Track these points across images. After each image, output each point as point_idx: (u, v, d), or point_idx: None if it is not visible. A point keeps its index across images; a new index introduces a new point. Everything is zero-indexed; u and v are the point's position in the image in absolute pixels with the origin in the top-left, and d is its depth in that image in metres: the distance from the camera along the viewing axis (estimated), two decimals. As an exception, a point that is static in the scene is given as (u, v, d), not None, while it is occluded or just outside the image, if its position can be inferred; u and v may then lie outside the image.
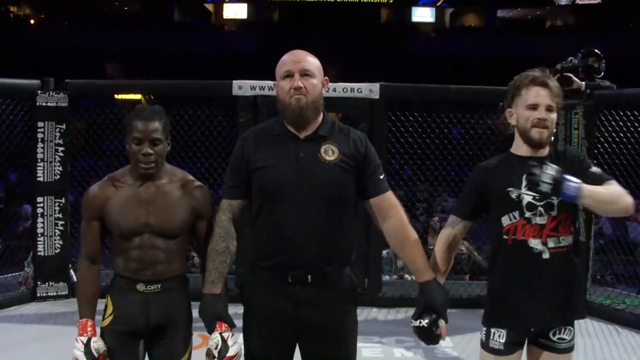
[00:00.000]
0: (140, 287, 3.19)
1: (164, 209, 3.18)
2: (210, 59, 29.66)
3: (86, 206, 3.26)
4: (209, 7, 38.80)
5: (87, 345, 3.12)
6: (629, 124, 6.27)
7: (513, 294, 3.08)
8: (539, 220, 3.01)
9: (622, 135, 6.26)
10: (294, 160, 2.98)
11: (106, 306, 3.26)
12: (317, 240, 2.95)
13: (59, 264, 6.45)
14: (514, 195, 3.03)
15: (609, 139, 6.27)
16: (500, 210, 3.07)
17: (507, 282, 3.10)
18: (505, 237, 3.06)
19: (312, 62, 3.04)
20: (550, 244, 3.02)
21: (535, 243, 3.02)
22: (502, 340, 3.12)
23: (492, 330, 3.15)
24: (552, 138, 3.12)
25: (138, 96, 7.78)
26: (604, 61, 6.04)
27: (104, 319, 3.25)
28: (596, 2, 35.44)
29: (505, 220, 3.05)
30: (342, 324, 3.10)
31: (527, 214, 3.02)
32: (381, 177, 3.11)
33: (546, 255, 3.02)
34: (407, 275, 7.71)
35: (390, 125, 6.48)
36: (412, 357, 5.26)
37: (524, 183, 2.99)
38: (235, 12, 38.12)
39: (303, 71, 2.99)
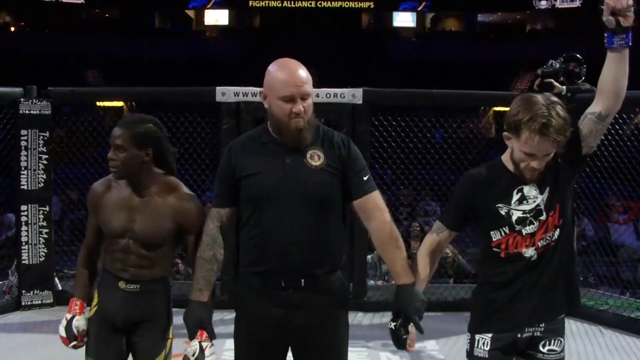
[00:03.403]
0: (122, 284, 3.33)
1: (148, 218, 3.27)
2: (191, 65, 29.65)
3: (88, 201, 3.44)
4: (190, 13, 38.77)
5: (69, 322, 3.36)
6: (609, 127, 6.31)
7: (499, 299, 3.03)
8: (529, 229, 2.95)
9: (603, 137, 6.30)
10: (281, 166, 2.99)
11: (93, 298, 3.44)
12: (307, 244, 2.97)
13: (43, 272, 6.41)
14: (503, 212, 2.96)
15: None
16: (489, 224, 3.01)
17: (496, 288, 3.05)
18: (496, 249, 3.01)
19: (309, 81, 3.01)
20: (539, 245, 2.97)
21: (526, 251, 2.97)
22: (487, 348, 3.04)
23: (477, 337, 3.08)
24: None
25: (120, 103, 7.76)
26: (585, 66, 6.08)
27: (90, 309, 3.42)
28: (575, 6, 35.69)
29: (495, 235, 3.00)
30: (334, 327, 3.12)
31: (517, 227, 2.96)
32: (365, 178, 3.09)
33: (534, 257, 2.97)
34: (393, 281, 7.72)
35: (373, 130, 6.50)
36: (397, 360, 5.29)
37: (514, 199, 2.96)
38: (217, 18, 38.13)
39: (305, 95, 2.97)
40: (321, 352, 3.09)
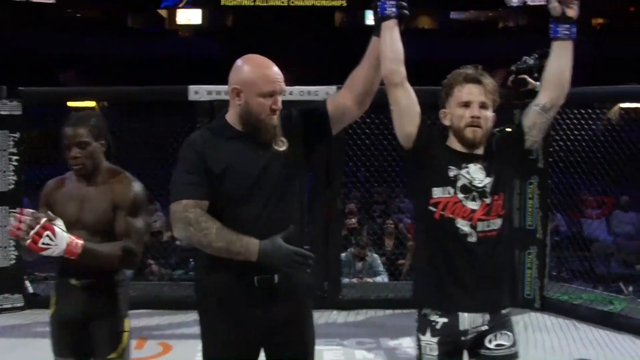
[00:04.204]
0: (73, 281, 3.40)
1: (95, 206, 3.38)
2: (165, 64, 29.47)
3: (40, 196, 3.55)
4: (163, 12, 38.56)
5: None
6: (582, 122, 6.37)
7: (441, 279, 2.96)
8: (471, 204, 2.92)
9: (576, 132, 6.35)
10: (256, 160, 2.94)
11: (51, 297, 3.51)
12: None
13: (14, 275, 6.34)
14: (451, 174, 2.93)
15: (564, 137, 6.36)
16: (433, 180, 2.96)
17: (434, 266, 2.98)
18: (432, 209, 2.94)
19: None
20: (479, 228, 2.92)
21: (463, 224, 2.91)
22: (435, 354, 2.96)
23: (423, 342, 2.98)
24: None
25: (93, 103, 7.71)
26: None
27: (50, 308, 3.50)
28: (546, 3, 35.88)
29: (437, 192, 2.94)
30: (306, 318, 3.12)
31: (460, 196, 2.92)
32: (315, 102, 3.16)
33: (473, 239, 2.92)
34: (366, 278, 7.74)
35: (346, 128, 6.47)
36: (373, 358, 5.27)
37: (463, 170, 2.93)
38: (189, 17, 37.91)
39: (283, 91, 2.98)
40: (297, 345, 3.07)
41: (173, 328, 5.86)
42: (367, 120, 6.57)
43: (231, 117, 3.02)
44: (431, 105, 3.16)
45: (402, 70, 3.03)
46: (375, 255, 8.01)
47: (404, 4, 3.04)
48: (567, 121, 6.35)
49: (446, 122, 3.03)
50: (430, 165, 2.99)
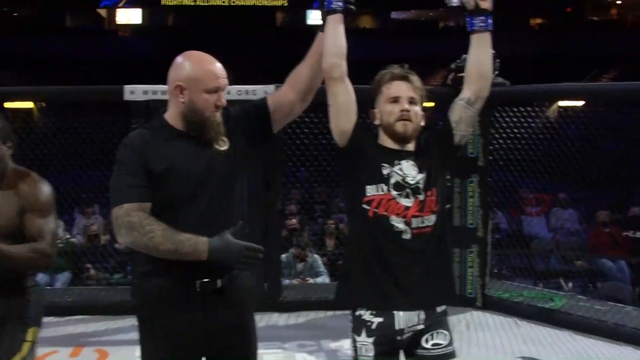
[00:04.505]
0: None
1: (1, 210, 3.24)
2: (105, 64, 29.15)
3: None
4: (102, 12, 38.13)
5: None
6: (522, 120, 6.41)
7: (375, 277, 2.95)
8: (404, 201, 2.92)
9: (516, 130, 6.38)
10: (199, 158, 2.86)
11: None
12: None
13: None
14: (385, 172, 2.94)
15: (503, 135, 6.39)
16: (366, 177, 2.97)
17: (367, 265, 2.97)
18: (366, 207, 2.94)
19: None
20: (413, 225, 2.92)
21: (397, 221, 2.91)
22: (370, 354, 2.95)
23: (358, 343, 2.97)
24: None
25: (29, 105, 7.54)
26: (498, 60, 6.13)
27: None
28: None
29: (371, 190, 2.94)
30: (249, 322, 3.05)
31: (394, 193, 2.92)
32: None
33: (407, 236, 2.92)
34: (309, 278, 7.69)
35: (286, 127, 6.41)
36: (314, 360, 5.23)
37: (395, 167, 2.94)
38: (129, 17, 37.55)
39: (225, 87, 2.92)
40: (240, 350, 3.00)
41: (110, 334, 5.74)
42: (307, 119, 6.51)
43: (171, 116, 2.93)
44: (370, 104, 3.14)
45: (343, 64, 3.03)
46: (316, 256, 7.95)
47: None
48: (507, 119, 6.39)
49: (377, 122, 3.06)
50: (363, 164, 2.99)
